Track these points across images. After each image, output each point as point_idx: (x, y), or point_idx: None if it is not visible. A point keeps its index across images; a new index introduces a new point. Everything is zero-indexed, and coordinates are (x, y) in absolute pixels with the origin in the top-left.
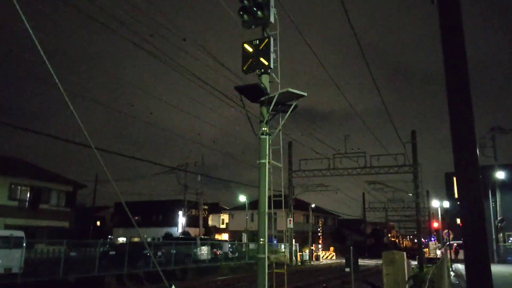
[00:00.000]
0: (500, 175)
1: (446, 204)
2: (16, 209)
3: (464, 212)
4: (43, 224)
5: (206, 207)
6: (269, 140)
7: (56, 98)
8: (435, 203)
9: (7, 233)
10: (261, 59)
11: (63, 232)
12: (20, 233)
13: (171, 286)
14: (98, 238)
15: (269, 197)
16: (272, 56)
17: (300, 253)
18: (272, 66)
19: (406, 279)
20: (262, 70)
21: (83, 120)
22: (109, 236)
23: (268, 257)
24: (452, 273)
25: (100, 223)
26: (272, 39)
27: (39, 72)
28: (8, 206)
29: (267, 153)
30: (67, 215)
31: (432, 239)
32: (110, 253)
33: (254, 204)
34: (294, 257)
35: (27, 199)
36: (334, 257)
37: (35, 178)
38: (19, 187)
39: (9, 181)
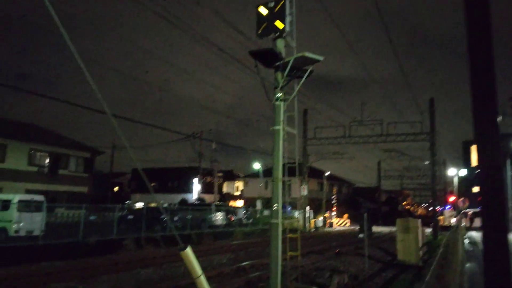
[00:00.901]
0: None
1: (463, 172)
2: (35, 175)
3: (483, 180)
4: (62, 189)
5: (220, 174)
6: (283, 106)
7: (72, 64)
8: (451, 172)
9: (28, 197)
10: (276, 22)
11: (82, 197)
12: (41, 198)
13: (187, 247)
14: (116, 203)
15: (284, 165)
16: (288, 19)
17: (314, 220)
18: (287, 29)
19: (420, 245)
20: (277, 34)
21: (98, 87)
22: (127, 202)
23: (282, 223)
24: (466, 240)
25: (118, 188)
26: (288, 1)
27: (54, 38)
28: (28, 171)
29: (282, 119)
30: (85, 180)
31: (447, 207)
32: (128, 217)
33: (268, 172)
34: (307, 224)
35: (46, 164)
36: (348, 224)
37: (54, 144)
38: (38, 153)
39: (29, 147)
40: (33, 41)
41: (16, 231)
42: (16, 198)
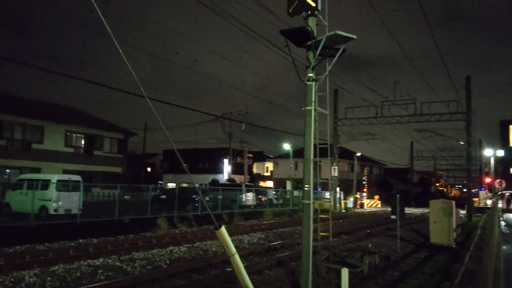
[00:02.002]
0: None
1: (500, 153)
2: (72, 155)
3: None
4: (97, 169)
5: (250, 155)
6: (315, 86)
7: (105, 47)
8: (487, 152)
9: (65, 177)
10: None
11: (117, 177)
12: (77, 178)
13: (221, 226)
14: (149, 183)
15: (315, 145)
16: None
17: (344, 201)
18: (319, 7)
19: (454, 227)
20: (309, 12)
21: (131, 68)
22: (159, 182)
23: (313, 204)
24: (503, 223)
25: (150, 169)
26: None
27: (87, 21)
28: (65, 152)
29: (313, 99)
30: (119, 161)
31: (483, 189)
32: (161, 197)
33: (298, 153)
34: (338, 205)
35: (82, 146)
36: (379, 206)
37: (89, 126)
38: (74, 135)
39: (65, 129)
40: (69, 24)
41: (56, 210)
42: (54, 178)
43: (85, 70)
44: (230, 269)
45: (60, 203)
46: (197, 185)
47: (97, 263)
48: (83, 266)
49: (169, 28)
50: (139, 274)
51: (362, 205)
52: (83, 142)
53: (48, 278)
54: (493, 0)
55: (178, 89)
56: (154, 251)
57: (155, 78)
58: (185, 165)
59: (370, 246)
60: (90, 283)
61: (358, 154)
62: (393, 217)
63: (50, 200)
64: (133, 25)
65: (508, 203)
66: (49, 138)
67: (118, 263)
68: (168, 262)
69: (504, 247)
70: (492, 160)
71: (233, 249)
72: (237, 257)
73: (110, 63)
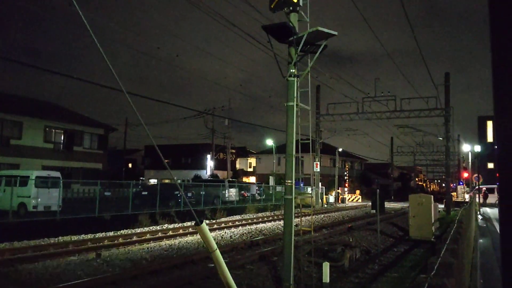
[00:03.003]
0: None
1: (478, 148)
2: (51, 151)
3: (501, 155)
4: (77, 165)
5: (233, 151)
6: (297, 82)
7: (84, 40)
8: (465, 147)
9: (44, 173)
10: None
11: (97, 173)
12: (57, 174)
13: (202, 222)
14: (130, 179)
15: (297, 141)
16: None
17: (326, 196)
18: (301, 3)
19: (433, 221)
20: (291, 8)
21: (110, 62)
22: (141, 178)
23: (295, 199)
24: (480, 217)
25: (132, 165)
26: None
27: (66, 14)
28: (44, 148)
29: (295, 95)
30: (100, 157)
31: (461, 183)
32: (143, 193)
33: (281, 148)
34: (320, 200)
35: (62, 141)
36: (360, 200)
37: (68, 121)
38: (54, 130)
39: (44, 124)
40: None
41: (35, 207)
42: (33, 174)
43: (64, 65)
44: (212, 265)
45: (39, 199)
46: (179, 181)
47: (77, 260)
48: (62, 264)
49: (150, 22)
50: (120, 271)
51: (343, 200)
52: (62, 137)
53: (27, 276)
54: None
55: (160, 84)
56: (135, 247)
57: (136, 72)
58: (166, 161)
59: (351, 240)
60: (70, 280)
61: (340, 149)
62: (373, 211)
63: (29, 197)
64: (114, 19)
65: (485, 197)
66: (28, 134)
67: (99, 260)
68: (149, 259)
69: (481, 240)
70: (470, 155)
71: (214, 245)
72: (218, 253)
73: (90, 57)
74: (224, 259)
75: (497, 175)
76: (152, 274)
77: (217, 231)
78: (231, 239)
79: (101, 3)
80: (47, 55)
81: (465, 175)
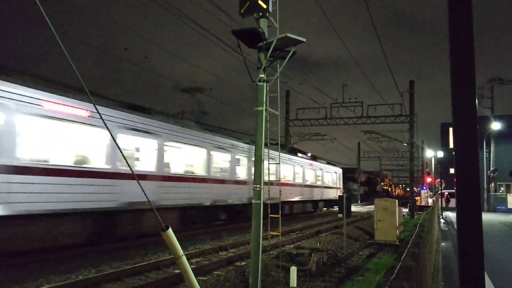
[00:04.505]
0: (496, 126)
1: (440, 154)
2: None
3: (459, 160)
4: None
5: None
6: (266, 87)
7: (46, 40)
8: (429, 153)
9: None
10: (259, 1)
11: None
12: None
13: (168, 227)
14: None
15: (266, 145)
16: None
17: None
18: (270, 9)
19: (397, 225)
20: (260, 14)
21: (74, 62)
22: None
23: (263, 203)
24: (442, 220)
25: None
26: None
27: (29, 11)
28: None
29: (264, 100)
30: None
31: (424, 188)
32: None
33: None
34: None
35: None
36: None
37: None
38: None
39: None
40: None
41: None
42: None
43: (26, 64)
44: (178, 271)
45: None
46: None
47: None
48: None
49: (117, 23)
50: (82, 278)
51: None
52: None
53: None
54: (434, 9)
55: (127, 86)
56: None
57: (102, 73)
58: (129, 164)
59: (318, 244)
60: None
61: (309, 154)
62: (340, 215)
63: None
64: (80, 18)
65: (447, 201)
66: None
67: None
68: (113, 266)
69: (443, 244)
70: (433, 161)
71: (180, 251)
72: (184, 259)
73: (53, 56)
74: (191, 265)
75: (455, 180)
76: (115, 280)
77: (186, 239)
78: (199, 243)
79: (65, 2)
80: (8, 54)
81: (429, 180)
